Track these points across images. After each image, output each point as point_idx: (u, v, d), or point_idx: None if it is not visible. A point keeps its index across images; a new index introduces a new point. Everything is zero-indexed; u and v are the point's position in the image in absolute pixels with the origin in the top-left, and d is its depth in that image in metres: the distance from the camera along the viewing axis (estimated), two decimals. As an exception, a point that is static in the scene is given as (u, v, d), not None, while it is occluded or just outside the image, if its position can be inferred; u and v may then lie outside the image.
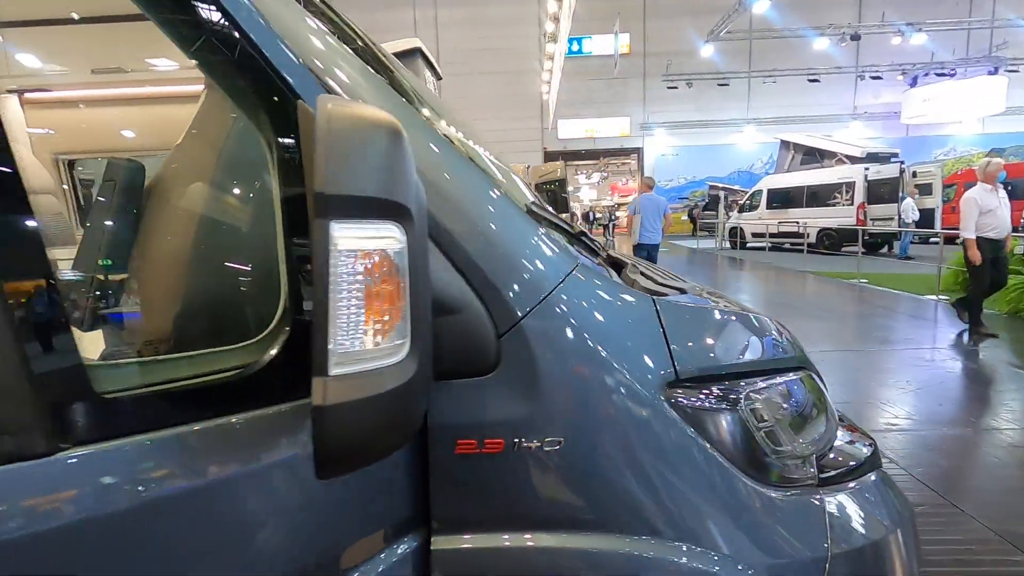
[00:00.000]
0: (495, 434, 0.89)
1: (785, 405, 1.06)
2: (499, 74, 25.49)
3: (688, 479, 0.93)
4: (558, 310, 0.90)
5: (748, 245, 18.88)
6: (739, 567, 0.92)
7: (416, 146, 0.82)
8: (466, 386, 0.89)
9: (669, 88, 25.29)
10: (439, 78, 7.72)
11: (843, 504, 1.04)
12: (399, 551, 0.89)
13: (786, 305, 8.86)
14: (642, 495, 0.91)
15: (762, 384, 1.04)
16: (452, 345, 0.87)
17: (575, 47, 26.04)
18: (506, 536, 0.91)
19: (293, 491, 0.79)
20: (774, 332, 1.17)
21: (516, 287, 0.89)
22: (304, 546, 0.80)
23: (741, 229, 19.05)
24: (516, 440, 0.89)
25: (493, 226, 0.91)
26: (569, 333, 0.90)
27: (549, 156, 26.87)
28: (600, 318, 0.93)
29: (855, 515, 1.04)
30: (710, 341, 1.02)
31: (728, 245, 19.48)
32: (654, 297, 1.00)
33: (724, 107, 26.44)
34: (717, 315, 1.09)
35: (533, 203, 1.14)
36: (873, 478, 1.15)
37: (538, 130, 25.09)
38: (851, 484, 1.09)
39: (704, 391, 0.96)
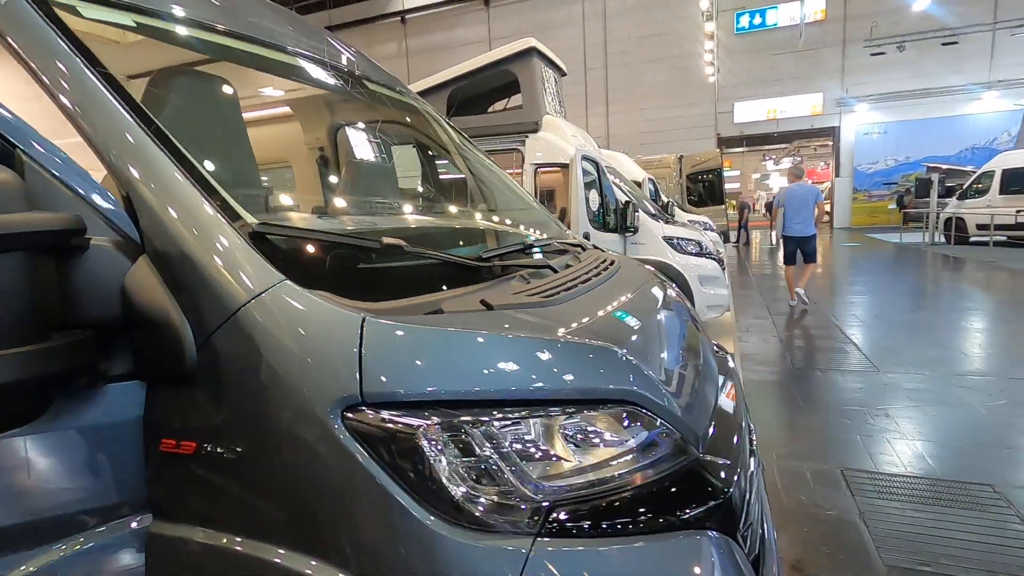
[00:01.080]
0: (188, 437, 0.98)
1: (508, 441, 0.96)
2: (666, 60, 24.27)
3: (349, 504, 0.91)
4: (246, 327, 0.95)
5: (971, 240, 15.39)
6: None
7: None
8: (171, 391, 0.99)
9: (874, 55, 21.59)
10: (563, 74, 7.72)
11: (566, 560, 0.91)
12: (128, 528, 1.02)
13: None
14: (304, 513, 0.92)
15: (485, 417, 0.95)
16: (155, 353, 0.97)
17: (756, 20, 23.68)
18: (204, 531, 0.99)
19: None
20: (545, 361, 1.05)
21: (209, 304, 0.96)
22: (29, 509, 0.97)
23: (961, 220, 15.59)
24: (205, 445, 0.96)
25: (193, 244, 0.98)
26: (254, 350, 0.94)
27: (724, 142, 24.92)
28: (285, 337, 0.95)
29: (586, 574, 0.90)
30: (421, 366, 0.97)
31: (942, 239, 16.10)
32: (366, 317, 0.98)
33: (952, 71, 21.75)
34: (449, 339, 1.02)
35: (267, 223, 1.13)
36: (671, 540, 0.97)
37: (710, 115, 23.36)
38: (607, 541, 0.94)
39: (392, 417, 0.93)
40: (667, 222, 7.02)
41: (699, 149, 17.74)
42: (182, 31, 1.40)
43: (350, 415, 0.92)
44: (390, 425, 0.92)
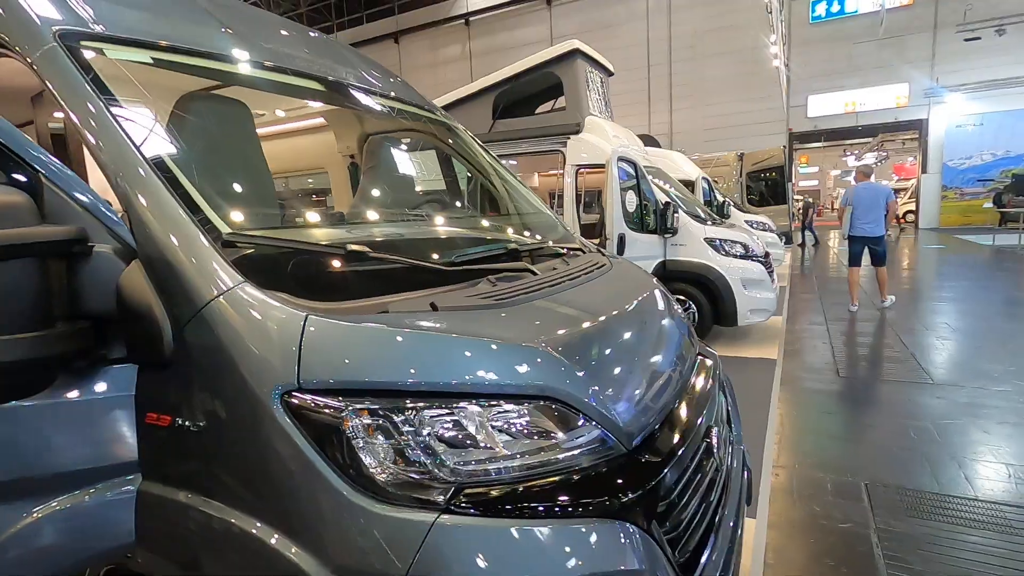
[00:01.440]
0: (165, 411, 1.17)
1: (426, 428, 1.08)
2: (733, 53, 23.37)
3: (285, 475, 1.06)
4: (209, 321, 1.12)
5: (1077, 242, 13.90)
6: (313, 564, 1.02)
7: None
8: (154, 373, 1.18)
9: (968, 40, 19.87)
10: (609, 74, 7.70)
11: (465, 536, 1.02)
12: (122, 486, 1.22)
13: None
14: (251, 481, 1.09)
15: (405, 404, 1.08)
16: (141, 341, 1.16)
17: (835, 7, 22.40)
18: (182, 492, 1.17)
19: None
20: (467, 357, 1.16)
21: (183, 300, 1.14)
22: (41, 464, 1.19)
23: (1065, 220, 14.12)
24: (177, 419, 1.15)
25: (174, 250, 1.16)
26: (215, 340, 1.12)
27: (797, 138, 23.73)
28: (239, 330, 1.11)
29: (481, 551, 1.01)
30: (351, 358, 1.11)
31: (1043, 241, 14.63)
32: (308, 315, 1.13)
33: (1064, 54, 19.68)
34: (377, 335, 1.15)
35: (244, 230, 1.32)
36: (569, 527, 1.06)
37: (779, 110, 22.28)
38: (509, 523, 1.05)
39: (321, 401, 1.07)
40: (717, 223, 6.86)
41: (768, 145, 16.99)
42: (192, 62, 1.61)
43: (288, 399, 1.07)
44: (318, 409, 1.06)
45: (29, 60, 1.30)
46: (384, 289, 1.36)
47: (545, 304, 1.49)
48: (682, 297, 5.75)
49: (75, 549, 1.21)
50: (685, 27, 24.33)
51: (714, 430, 1.63)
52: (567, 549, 1.05)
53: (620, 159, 5.68)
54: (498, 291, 1.46)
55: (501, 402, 1.14)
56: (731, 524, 1.55)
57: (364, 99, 2.25)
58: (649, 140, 11.60)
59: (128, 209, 1.20)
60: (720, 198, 10.04)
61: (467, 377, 1.13)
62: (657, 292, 2.08)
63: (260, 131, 1.90)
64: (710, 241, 5.82)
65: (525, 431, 1.15)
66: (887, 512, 2.77)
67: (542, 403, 1.18)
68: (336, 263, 1.40)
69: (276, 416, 1.06)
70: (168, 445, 1.17)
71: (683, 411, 1.53)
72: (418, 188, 2.81)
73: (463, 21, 27.97)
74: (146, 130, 1.31)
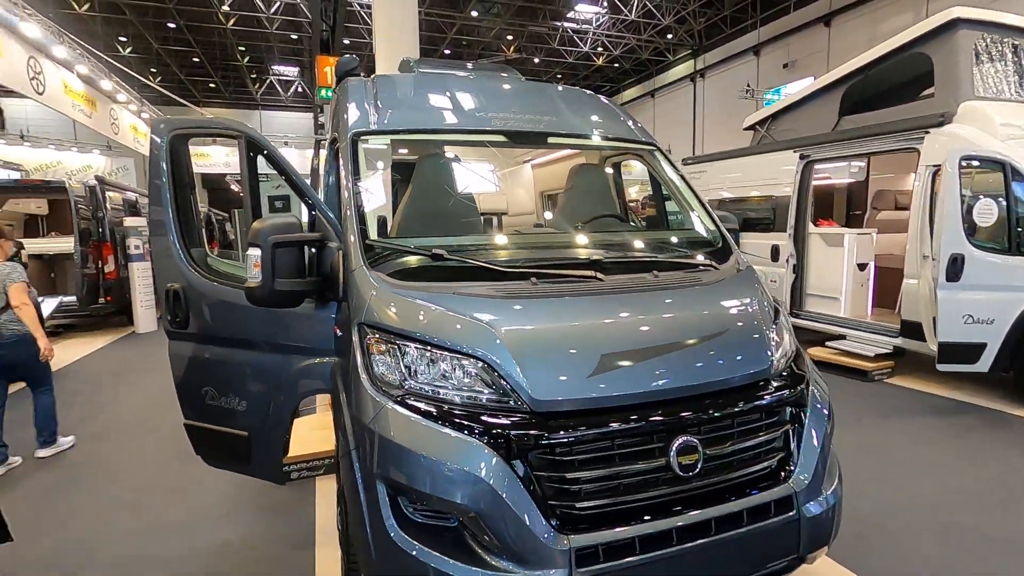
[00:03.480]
0: (338, 324, 2.32)
1: (405, 358, 1.90)
2: None
3: (350, 365, 2.04)
4: (351, 281, 2.20)
5: None
6: (344, 396, 1.98)
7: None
8: (337, 305, 2.35)
9: None
10: None
11: (398, 418, 1.79)
12: (326, 360, 2.45)
13: None
14: (345, 366, 2.12)
15: (404, 344, 1.93)
16: (334, 290, 2.35)
17: None
18: (339, 363, 2.32)
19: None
20: (442, 318, 1.91)
21: (345, 270, 2.26)
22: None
23: None
24: (338, 331, 2.29)
25: (348, 246, 2.28)
26: (351, 292, 2.19)
27: None
28: (357, 287, 2.15)
29: (402, 429, 1.78)
30: (380, 311, 2.00)
31: None
32: (380, 286, 2.08)
33: None
34: (398, 302, 2.00)
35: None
36: None
37: None
38: (428, 424, 1.77)
39: (367, 332, 2.01)
40: None
41: None
42: (415, 138, 2.76)
43: (361, 327, 2.04)
44: (366, 335, 1.99)
45: (340, 146, 2.65)
46: (447, 278, 2.17)
47: (547, 302, 2.02)
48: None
49: (306, 385, 2.52)
50: None
51: (678, 440, 1.78)
52: (448, 447, 1.68)
53: (972, 159, 4.42)
54: (524, 289, 2.06)
55: (454, 353, 1.83)
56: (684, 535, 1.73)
57: (556, 140, 3.01)
58: None
59: (342, 224, 2.40)
60: None
61: (438, 334, 1.87)
62: (709, 313, 2.14)
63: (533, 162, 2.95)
64: None
65: (463, 374, 1.81)
66: None
67: (477, 361, 1.81)
68: (415, 259, 2.26)
69: (355, 336, 2.05)
70: (338, 342, 2.33)
71: (627, 413, 1.78)
72: (593, 205, 3.32)
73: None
74: (367, 184, 2.51)
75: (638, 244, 2.80)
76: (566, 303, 2.04)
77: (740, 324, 2.15)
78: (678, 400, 1.86)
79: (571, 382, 1.79)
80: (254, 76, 27.99)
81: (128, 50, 24.14)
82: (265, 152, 2.55)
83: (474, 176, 3.21)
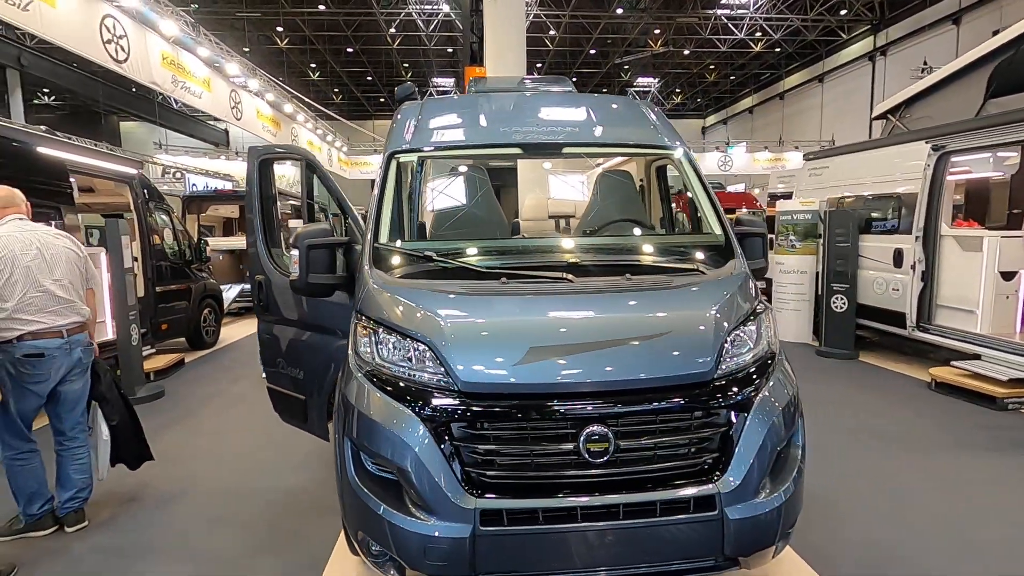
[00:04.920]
0: (356, 306, 2.83)
1: (374, 339, 2.31)
2: None
3: (348, 345, 2.52)
4: (359, 278, 2.68)
5: None
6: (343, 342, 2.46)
7: None
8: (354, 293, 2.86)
9: None
10: None
11: (357, 385, 2.21)
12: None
13: None
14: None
15: (376, 328, 2.37)
16: (353, 281, 2.86)
17: None
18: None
19: None
20: (405, 307, 2.28)
21: (360, 267, 2.75)
22: None
23: None
24: (353, 309, 2.79)
25: (363, 248, 2.76)
26: (360, 285, 2.67)
27: None
28: (363, 281, 2.61)
29: (355, 396, 2.21)
30: (365, 302, 2.43)
31: None
32: (370, 281, 2.52)
33: None
34: (375, 295, 2.41)
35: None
36: None
37: None
38: (377, 392, 2.18)
39: (355, 317, 2.47)
40: None
41: None
42: (443, 154, 3.18)
43: (355, 313, 2.50)
44: (355, 320, 2.45)
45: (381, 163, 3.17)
46: (433, 277, 2.55)
47: (502, 299, 2.30)
48: None
49: (340, 360, 3.06)
50: None
51: (588, 429, 1.95)
52: (390, 414, 2.07)
53: None
54: (490, 288, 2.37)
55: (409, 338, 2.21)
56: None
57: (572, 150, 3.22)
58: None
59: (365, 230, 2.90)
60: None
61: (399, 322, 2.26)
62: (657, 316, 2.23)
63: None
64: None
65: (414, 356, 2.18)
66: None
67: (424, 346, 2.17)
68: (406, 259, 2.65)
69: (355, 319, 2.52)
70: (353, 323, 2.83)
71: (542, 400, 2.00)
72: (610, 211, 3.41)
73: None
74: (391, 196, 2.98)
75: (633, 248, 2.92)
76: (519, 301, 2.30)
77: (687, 328, 2.20)
78: (594, 393, 2.02)
79: (496, 369, 2.06)
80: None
81: (317, 75, 28.20)
82: (317, 172, 3.15)
83: (496, 187, 3.53)
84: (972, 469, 3.71)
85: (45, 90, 24.13)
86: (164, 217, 6.93)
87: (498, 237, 3.18)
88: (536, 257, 2.79)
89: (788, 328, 7.52)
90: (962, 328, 5.36)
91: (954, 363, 5.19)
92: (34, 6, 6.91)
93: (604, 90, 33.37)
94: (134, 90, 21.46)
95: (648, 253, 2.84)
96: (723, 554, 1.99)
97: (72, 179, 5.31)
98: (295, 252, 2.77)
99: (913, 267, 5.65)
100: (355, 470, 2.16)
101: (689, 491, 1.97)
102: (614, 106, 3.50)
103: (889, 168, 6.02)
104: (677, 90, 33.82)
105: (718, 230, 2.84)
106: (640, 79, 31.36)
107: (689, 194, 3.23)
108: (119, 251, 5.11)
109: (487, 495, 1.95)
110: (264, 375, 3.52)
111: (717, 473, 2.02)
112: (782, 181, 13.51)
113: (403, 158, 3.13)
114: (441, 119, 3.35)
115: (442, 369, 2.08)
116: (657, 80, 31.62)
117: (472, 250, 2.84)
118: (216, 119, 20.98)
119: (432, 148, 3.15)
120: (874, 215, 6.20)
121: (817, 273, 7.00)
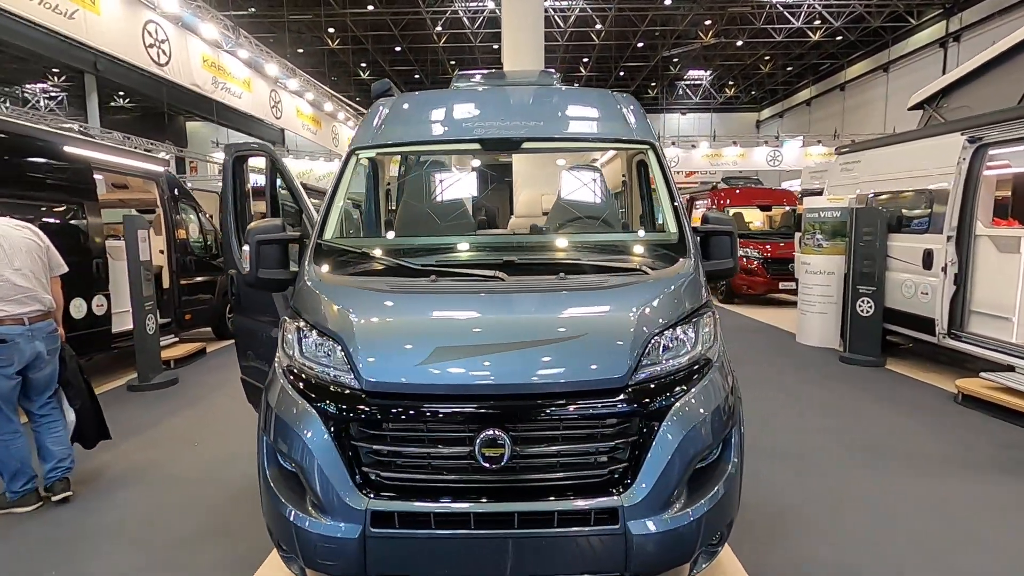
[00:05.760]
0: (292, 302, 2.86)
1: (301, 337, 2.33)
2: None
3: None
4: (302, 271, 2.71)
5: None
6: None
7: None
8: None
9: None
10: None
11: (275, 380, 2.24)
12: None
13: None
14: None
15: (303, 326, 2.38)
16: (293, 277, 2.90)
17: None
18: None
19: None
20: (324, 305, 2.29)
21: (306, 262, 2.78)
22: None
23: None
24: (293, 306, 2.83)
25: (309, 243, 2.79)
26: (300, 279, 2.70)
27: None
28: (303, 277, 2.64)
29: (271, 393, 2.22)
30: (298, 300, 2.45)
31: None
32: (306, 277, 2.54)
33: None
34: (305, 291, 2.41)
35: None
36: None
37: None
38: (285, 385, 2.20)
39: (287, 315, 2.49)
40: None
41: None
42: (400, 150, 3.16)
43: (289, 311, 2.53)
44: (288, 320, 2.47)
45: (367, 160, 3.19)
46: (365, 274, 2.54)
47: (424, 296, 2.26)
48: None
49: None
50: None
51: (484, 433, 1.88)
52: (292, 410, 2.08)
53: None
54: (417, 286, 2.35)
55: (322, 334, 2.21)
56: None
57: (531, 144, 3.13)
58: None
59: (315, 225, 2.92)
60: None
61: (317, 319, 2.27)
62: (575, 317, 2.13)
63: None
64: None
65: (326, 353, 2.18)
66: None
67: (335, 343, 2.16)
68: (345, 256, 2.66)
69: (288, 319, 2.55)
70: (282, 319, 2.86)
71: (441, 402, 1.95)
72: (568, 208, 3.29)
73: None
74: (344, 191, 2.99)
75: (580, 246, 2.81)
76: (436, 299, 2.27)
77: (603, 330, 2.09)
78: (493, 396, 1.95)
79: (398, 369, 2.02)
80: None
81: (367, 73, 28.91)
82: (278, 166, 3.21)
83: (449, 183, 3.48)
84: (980, 494, 3.36)
85: (120, 93, 25.84)
86: (191, 213, 7.28)
87: (456, 234, 3.14)
88: (475, 255, 2.74)
89: (812, 332, 7.10)
90: (996, 336, 4.88)
91: (983, 374, 4.73)
92: (79, 14, 7.40)
93: (652, 84, 32.56)
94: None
95: (594, 252, 2.73)
96: (626, 569, 1.89)
97: (98, 176, 5.65)
98: (246, 248, 2.82)
99: (944, 269, 5.19)
100: (268, 468, 2.18)
101: (587, 502, 1.88)
102: (586, 100, 3.39)
103: (921, 162, 5.54)
104: (730, 83, 32.58)
105: (674, 228, 2.71)
106: (690, 72, 30.41)
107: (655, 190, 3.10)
108: (135, 245, 5.40)
109: (382, 496, 1.92)
110: (240, 365, 3.63)
111: (625, 485, 1.92)
112: (816, 177, 12.76)
113: (363, 155, 3.14)
114: (407, 115, 3.33)
115: (348, 366, 2.07)
116: (709, 73, 30.57)
117: (411, 247, 2.82)
118: (271, 118, 21.94)
119: (392, 144, 3.14)
120: (903, 213, 5.74)
121: (845, 274, 6.57)
